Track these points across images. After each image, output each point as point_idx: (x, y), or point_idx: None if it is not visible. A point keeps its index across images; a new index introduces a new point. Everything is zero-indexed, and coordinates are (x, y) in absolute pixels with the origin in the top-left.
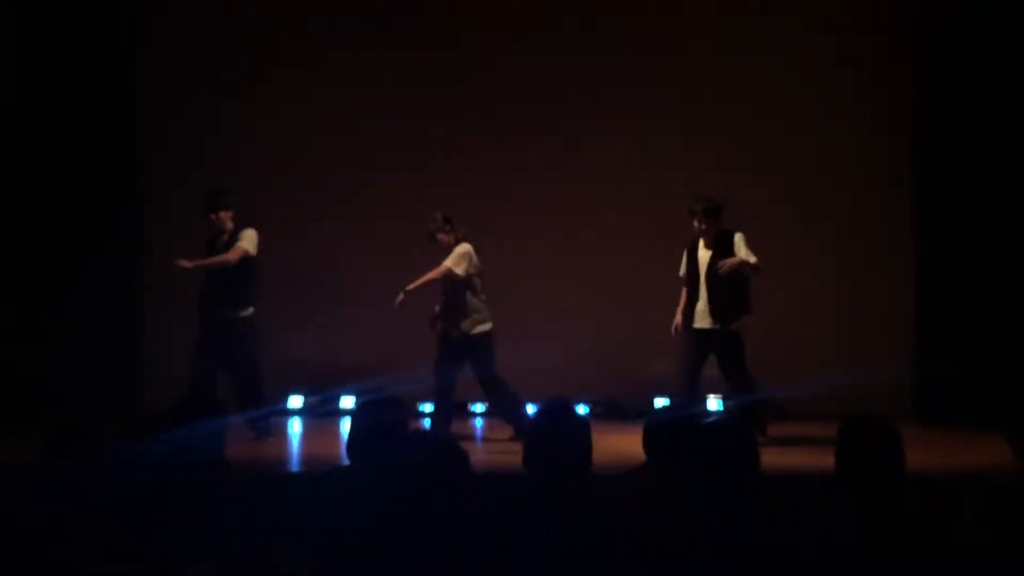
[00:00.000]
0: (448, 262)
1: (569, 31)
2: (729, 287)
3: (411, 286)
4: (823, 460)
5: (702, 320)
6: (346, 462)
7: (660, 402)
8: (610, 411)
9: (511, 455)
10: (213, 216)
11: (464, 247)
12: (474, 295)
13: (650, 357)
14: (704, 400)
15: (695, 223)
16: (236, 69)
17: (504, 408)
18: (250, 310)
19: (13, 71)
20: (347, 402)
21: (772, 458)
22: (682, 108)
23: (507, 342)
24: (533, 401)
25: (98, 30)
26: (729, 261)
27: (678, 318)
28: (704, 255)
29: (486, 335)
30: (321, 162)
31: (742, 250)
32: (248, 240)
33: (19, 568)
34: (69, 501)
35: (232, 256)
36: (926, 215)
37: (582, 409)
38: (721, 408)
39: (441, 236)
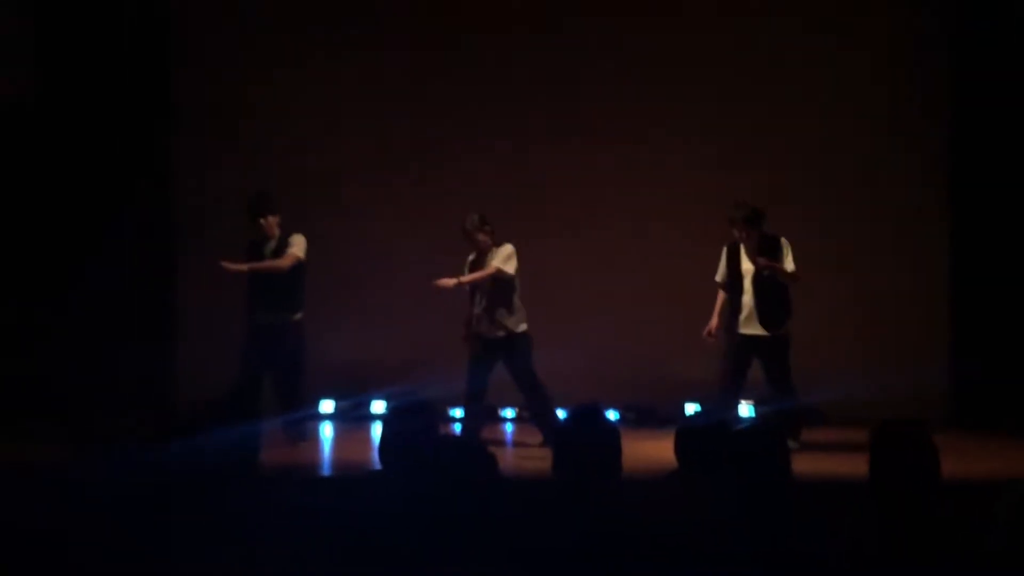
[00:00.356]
0: (497, 262)
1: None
2: (775, 292)
3: (466, 278)
4: (857, 467)
5: (750, 326)
6: (378, 466)
7: (692, 408)
8: (642, 417)
9: (541, 460)
10: (262, 220)
11: (510, 247)
12: (515, 293)
13: (684, 361)
14: (737, 405)
15: (736, 232)
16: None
17: (539, 410)
18: (300, 314)
19: (23, 75)
20: (378, 406)
21: (805, 464)
22: (711, 106)
23: (538, 345)
24: (564, 406)
25: (100, 29)
26: (774, 264)
27: (714, 321)
28: (749, 263)
29: (526, 333)
30: (355, 162)
31: (788, 257)
32: (299, 246)
33: (39, 568)
34: (96, 501)
35: (285, 262)
36: (961, 217)
37: (613, 415)
38: (753, 414)
39: (480, 236)
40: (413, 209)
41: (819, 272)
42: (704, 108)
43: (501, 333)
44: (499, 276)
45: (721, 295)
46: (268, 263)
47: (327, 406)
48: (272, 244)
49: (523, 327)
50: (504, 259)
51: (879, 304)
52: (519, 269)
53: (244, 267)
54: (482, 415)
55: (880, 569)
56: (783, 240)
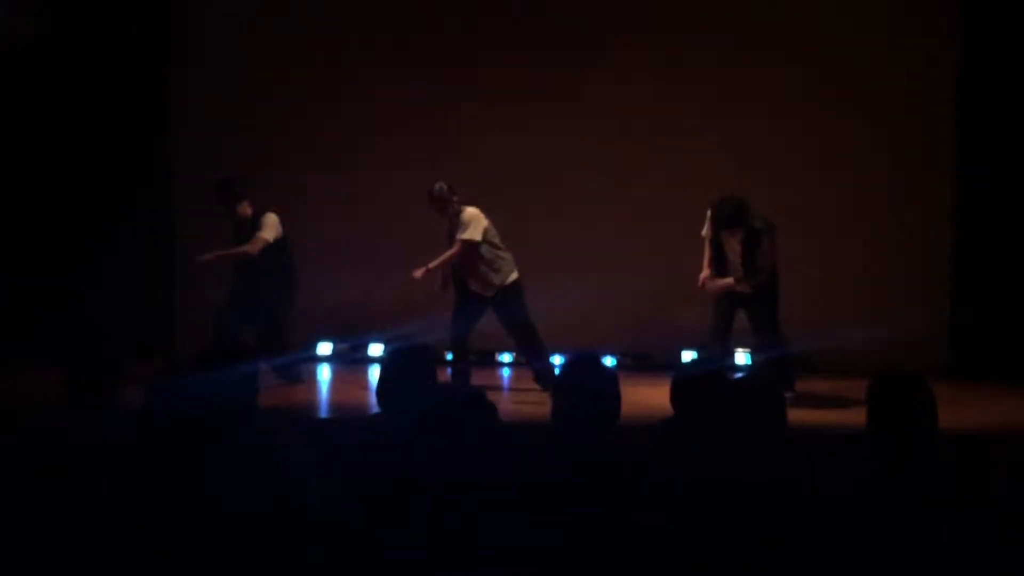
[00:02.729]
0: (463, 235)
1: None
2: (756, 257)
3: (433, 264)
4: (854, 416)
5: (735, 283)
6: (376, 409)
7: (688, 355)
8: (638, 362)
9: (538, 405)
10: (227, 209)
11: (470, 210)
12: (494, 249)
13: (679, 307)
14: (733, 354)
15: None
16: (264, 32)
17: (533, 356)
18: (284, 283)
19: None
20: (376, 349)
21: (801, 414)
22: (716, 64)
23: (534, 293)
24: (561, 352)
25: None
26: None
27: (705, 272)
28: (734, 243)
29: (516, 283)
30: (350, 109)
31: (765, 245)
32: (268, 228)
33: (50, 501)
34: (102, 439)
35: (253, 248)
36: (964, 164)
37: (610, 361)
38: (749, 362)
39: (448, 206)
40: (415, 158)
41: (818, 220)
42: (701, 56)
43: (490, 293)
44: (471, 247)
45: (709, 248)
46: (235, 251)
47: (324, 348)
48: (246, 226)
49: (511, 278)
50: (469, 230)
51: (879, 252)
52: (492, 222)
53: (212, 257)
54: (470, 360)
55: (876, 518)
56: (763, 236)
